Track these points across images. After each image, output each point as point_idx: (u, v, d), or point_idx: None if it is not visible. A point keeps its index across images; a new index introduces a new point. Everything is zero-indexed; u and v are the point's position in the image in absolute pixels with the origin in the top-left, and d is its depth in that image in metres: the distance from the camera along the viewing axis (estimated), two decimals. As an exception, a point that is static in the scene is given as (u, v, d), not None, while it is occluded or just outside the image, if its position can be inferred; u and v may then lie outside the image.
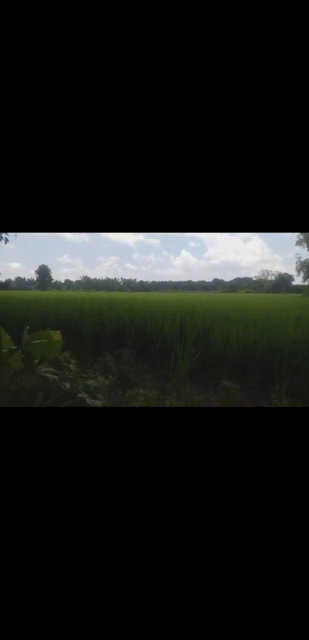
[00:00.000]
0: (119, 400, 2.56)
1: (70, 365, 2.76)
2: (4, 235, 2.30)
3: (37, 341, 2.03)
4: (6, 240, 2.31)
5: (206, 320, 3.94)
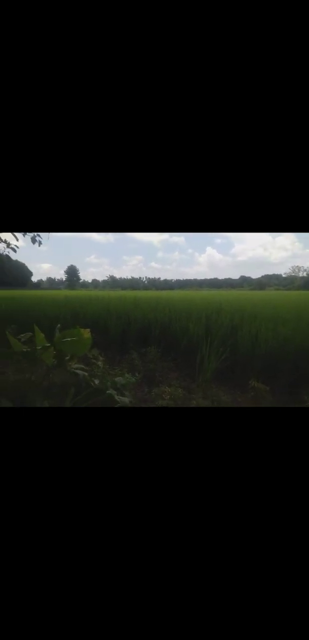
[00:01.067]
0: (145, 398, 2.59)
1: (99, 362, 2.86)
2: (37, 238, 2.44)
3: (68, 339, 2.12)
4: (40, 243, 2.45)
5: (233, 318, 3.83)
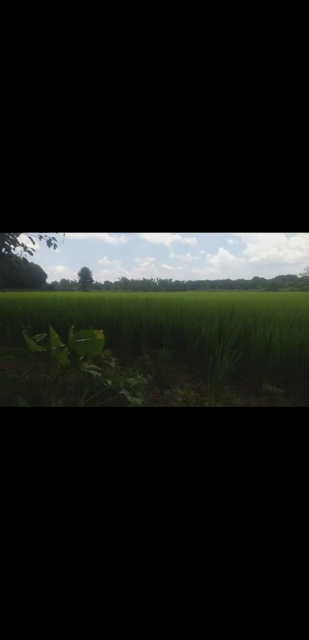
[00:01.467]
0: (157, 400, 2.60)
1: (111, 363, 2.89)
2: (52, 240, 2.51)
3: (82, 340, 2.16)
4: (55, 246, 2.51)
5: (246, 320, 3.77)
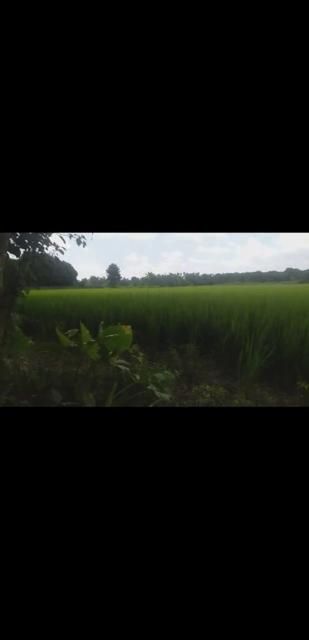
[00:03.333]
0: (184, 395, 2.59)
1: (139, 358, 2.94)
2: (82, 239, 2.61)
3: (111, 335, 2.22)
4: (84, 244, 2.60)
5: (279, 314, 3.58)
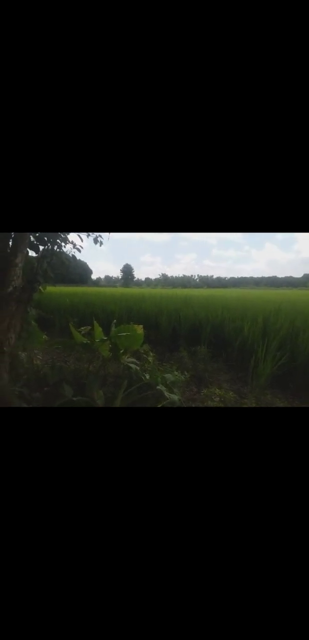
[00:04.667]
0: (193, 398, 2.58)
1: (149, 358, 2.96)
2: (99, 238, 2.65)
3: (123, 334, 2.25)
4: (101, 243, 2.65)
5: (294, 320, 3.49)
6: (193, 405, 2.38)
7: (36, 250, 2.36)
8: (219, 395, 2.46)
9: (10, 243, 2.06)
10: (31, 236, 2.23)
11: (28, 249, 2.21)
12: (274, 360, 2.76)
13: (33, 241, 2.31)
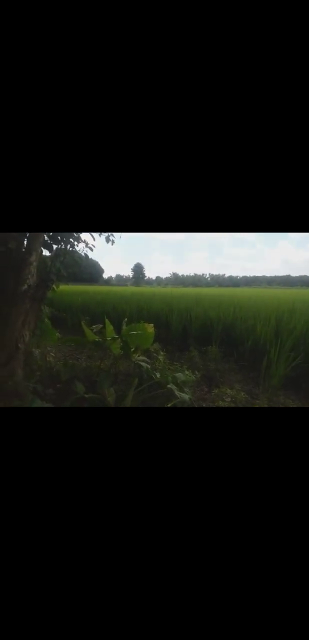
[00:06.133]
0: (204, 397, 2.56)
1: (160, 357, 2.96)
2: (111, 237, 2.68)
3: (134, 332, 2.26)
4: (113, 242, 2.67)
5: None
6: (204, 405, 2.37)
7: (50, 249, 2.42)
8: (230, 395, 2.44)
9: (25, 242, 2.11)
10: (45, 235, 2.27)
11: (42, 248, 2.26)
12: (288, 361, 2.70)
13: (47, 240, 2.36)
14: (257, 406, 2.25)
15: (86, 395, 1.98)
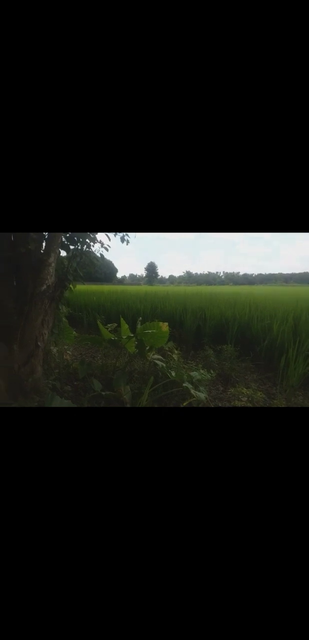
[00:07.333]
0: (219, 397, 2.54)
1: (174, 355, 2.96)
2: (125, 237, 2.71)
3: (149, 331, 2.28)
4: (127, 242, 2.70)
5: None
6: (220, 404, 2.35)
7: (67, 250, 2.48)
8: (246, 394, 2.40)
9: (44, 244, 2.18)
10: (62, 236, 2.34)
11: (60, 249, 2.33)
12: (307, 361, 2.62)
13: (64, 241, 2.43)
14: (274, 406, 2.20)
15: (103, 393, 2.02)
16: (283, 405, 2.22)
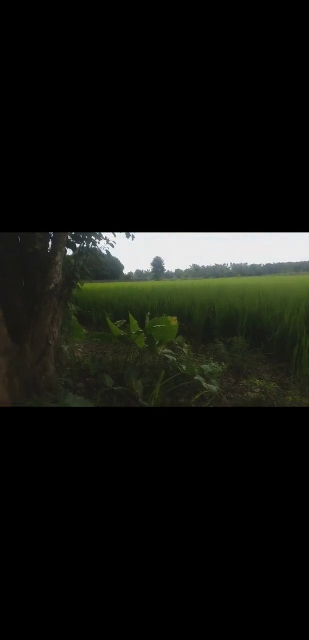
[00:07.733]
0: (232, 389, 2.51)
1: (184, 349, 2.95)
2: (131, 233, 2.70)
3: (158, 326, 2.26)
4: (133, 238, 2.69)
5: None
6: (232, 396, 2.32)
7: (73, 248, 2.49)
8: (259, 386, 2.36)
9: (50, 243, 2.19)
10: (68, 235, 2.34)
11: (66, 248, 2.33)
12: (321, 350, 2.56)
13: (70, 240, 2.43)
14: (289, 397, 2.16)
15: (115, 388, 2.03)
16: (297, 395, 2.17)
